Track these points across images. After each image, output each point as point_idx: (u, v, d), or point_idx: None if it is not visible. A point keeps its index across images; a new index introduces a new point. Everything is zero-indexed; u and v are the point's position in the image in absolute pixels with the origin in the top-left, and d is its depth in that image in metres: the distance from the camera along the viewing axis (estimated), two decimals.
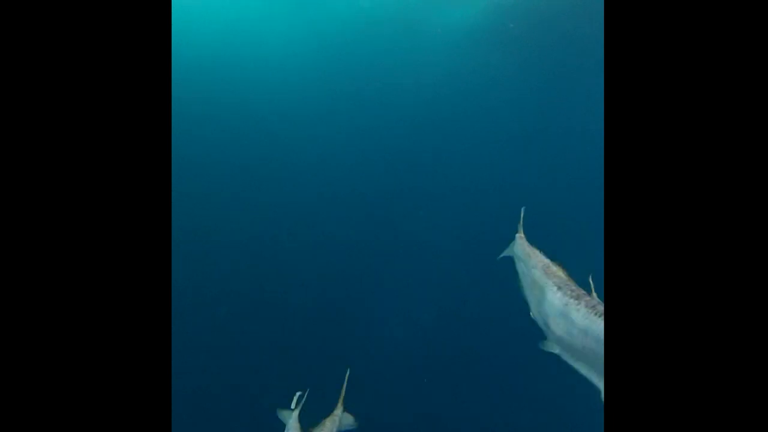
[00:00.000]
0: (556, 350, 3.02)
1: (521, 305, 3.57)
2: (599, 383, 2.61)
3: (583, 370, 2.76)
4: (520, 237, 3.87)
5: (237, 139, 11.72)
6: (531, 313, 3.41)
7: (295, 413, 3.43)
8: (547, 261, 3.43)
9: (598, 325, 2.63)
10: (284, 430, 3.38)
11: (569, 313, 2.85)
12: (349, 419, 3.38)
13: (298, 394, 3.50)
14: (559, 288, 3.04)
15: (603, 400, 2.31)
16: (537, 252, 3.59)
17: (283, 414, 3.50)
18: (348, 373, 3.63)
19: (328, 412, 3.36)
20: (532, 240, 3.87)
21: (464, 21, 12.57)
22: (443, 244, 9.76)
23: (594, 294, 2.93)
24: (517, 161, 11.34)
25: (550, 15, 11.89)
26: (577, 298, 2.88)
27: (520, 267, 3.68)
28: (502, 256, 3.98)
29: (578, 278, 3.16)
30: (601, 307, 2.72)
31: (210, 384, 7.31)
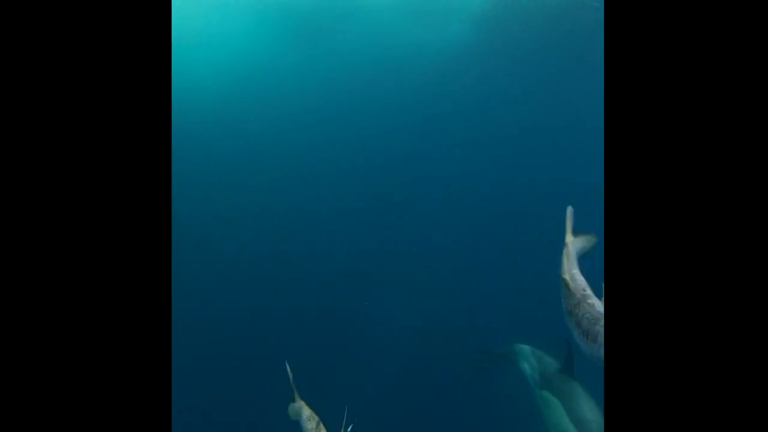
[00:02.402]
0: None
1: (520, 305, 3.49)
2: None
3: None
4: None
5: (243, 144, 11.82)
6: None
7: (301, 402, 3.34)
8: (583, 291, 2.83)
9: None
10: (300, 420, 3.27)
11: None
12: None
13: (289, 372, 3.39)
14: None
15: None
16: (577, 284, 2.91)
17: (293, 407, 3.41)
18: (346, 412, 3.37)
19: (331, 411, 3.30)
20: (534, 239, 3.67)
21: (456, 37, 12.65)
22: (447, 247, 9.77)
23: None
24: (521, 164, 11.36)
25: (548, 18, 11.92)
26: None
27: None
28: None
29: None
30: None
31: (209, 386, 7.30)
